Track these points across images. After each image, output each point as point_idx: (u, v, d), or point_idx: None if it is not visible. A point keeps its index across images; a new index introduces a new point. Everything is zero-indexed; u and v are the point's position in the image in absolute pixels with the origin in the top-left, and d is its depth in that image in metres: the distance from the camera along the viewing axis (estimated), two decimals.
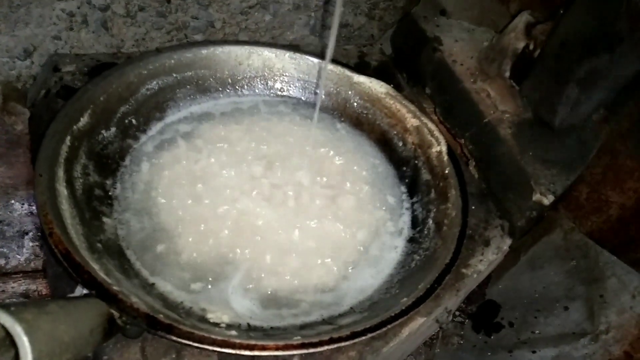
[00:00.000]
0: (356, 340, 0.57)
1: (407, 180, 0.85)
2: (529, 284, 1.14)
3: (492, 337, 1.08)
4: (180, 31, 1.32)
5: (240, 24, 1.35)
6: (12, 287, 0.91)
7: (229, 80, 0.91)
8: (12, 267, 1.03)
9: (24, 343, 0.35)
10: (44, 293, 0.94)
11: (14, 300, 0.97)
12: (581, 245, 1.14)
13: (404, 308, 0.61)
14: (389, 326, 0.59)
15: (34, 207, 1.09)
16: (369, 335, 0.57)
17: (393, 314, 0.60)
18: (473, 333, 1.11)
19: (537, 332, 1.05)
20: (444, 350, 1.10)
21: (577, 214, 1.16)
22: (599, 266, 1.06)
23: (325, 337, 0.56)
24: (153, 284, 0.67)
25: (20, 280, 0.92)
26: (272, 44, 0.98)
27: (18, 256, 1.04)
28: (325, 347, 0.55)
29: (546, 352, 1.00)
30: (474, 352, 1.07)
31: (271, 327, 0.65)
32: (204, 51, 0.88)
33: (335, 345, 0.56)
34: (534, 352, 1.02)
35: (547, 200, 0.78)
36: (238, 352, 0.54)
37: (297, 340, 0.56)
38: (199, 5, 1.30)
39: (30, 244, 1.06)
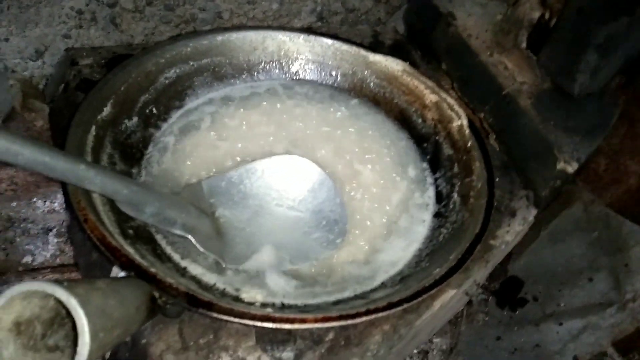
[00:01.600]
0: (392, 310, 0.57)
1: (428, 157, 0.85)
2: (551, 258, 1.14)
3: (517, 312, 1.08)
4: (189, 24, 1.32)
5: (248, 14, 1.36)
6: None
7: (245, 65, 0.92)
8: (38, 264, 1.04)
9: (81, 315, 0.36)
10: None
11: None
12: (602, 216, 1.14)
13: (437, 278, 0.61)
14: (424, 296, 0.59)
15: (55, 204, 1.11)
16: (404, 305, 0.58)
17: (427, 284, 0.60)
18: (498, 309, 1.11)
19: (562, 304, 1.05)
20: (469, 328, 1.10)
21: (596, 186, 1.16)
22: (621, 236, 1.06)
23: (362, 309, 0.56)
24: (185, 267, 0.67)
25: (48, 274, 0.93)
26: (286, 27, 0.98)
27: (44, 252, 1.06)
28: (363, 319, 0.56)
29: (573, 324, 1.01)
30: (499, 327, 1.08)
31: (305, 305, 0.66)
32: (219, 38, 0.89)
33: (373, 317, 0.56)
34: (560, 324, 1.02)
35: (572, 167, 0.78)
36: (278, 325, 0.54)
37: (334, 312, 0.56)
38: None
39: (55, 240, 1.07)
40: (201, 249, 0.67)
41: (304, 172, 0.77)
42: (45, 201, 1.09)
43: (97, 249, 0.58)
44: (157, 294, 0.54)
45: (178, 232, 0.65)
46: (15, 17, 1.14)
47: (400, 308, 0.58)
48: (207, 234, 0.69)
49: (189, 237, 0.66)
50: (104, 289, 0.42)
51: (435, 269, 0.64)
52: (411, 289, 0.60)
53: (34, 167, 0.47)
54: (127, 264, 0.56)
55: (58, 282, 0.38)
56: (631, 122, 1.01)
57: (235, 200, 0.74)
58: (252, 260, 0.70)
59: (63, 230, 1.08)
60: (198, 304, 0.54)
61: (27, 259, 1.05)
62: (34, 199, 1.09)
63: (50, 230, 1.08)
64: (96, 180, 0.54)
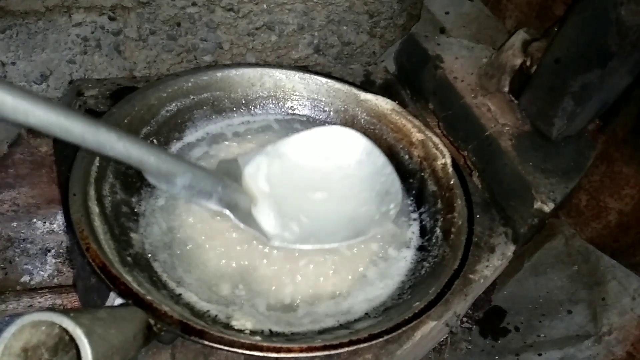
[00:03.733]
0: (373, 342, 0.61)
1: (414, 192, 0.89)
2: (534, 289, 1.18)
3: (499, 342, 1.12)
4: (190, 53, 1.38)
5: (247, 45, 1.41)
6: (39, 302, 0.95)
7: (243, 100, 0.97)
8: (36, 283, 1.07)
9: (85, 345, 0.40)
10: (69, 307, 0.98)
11: None
12: (582, 250, 1.18)
13: (416, 311, 0.65)
14: (404, 328, 0.63)
15: (55, 225, 1.14)
16: (385, 337, 0.62)
17: (407, 317, 0.64)
18: (480, 338, 1.15)
19: (542, 335, 1.08)
20: (453, 356, 1.14)
21: (577, 220, 1.21)
22: (599, 270, 1.11)
23: (345, 340, 0.60)
24: (180, 294, 0.71)
25: (46, 295, 0.97)
26: (283, 66, 1.04)
27: (42, 272, 1.09)
28: (346, 349, 0.60)
29: (552, 355, 1.04)
30: (482, 356, 1.11)
31: (292, 333, 0.69)
32: (219, 74, 0.93)
33: (355, 347, 0.60)
34: (539, 354, 1.05)
35: (548, 207, 0.82)
36: (265, 354, 0.58)
37: (319, 342, 0.60)
38: (208, 28, 1.35)
39: (53, 260, 1.11)
40: (241, 225, 0.65)
41: (349, 143, 0.73)
42: (45, 222, 1.13)
43: (98, 276, 0.61)
44: (153, 321, 0.58)
45: (214, 206, 0.62)
46: (23, 43, 1.18)
47: (382, 339, 0.62)
48: (246, 210, 0.67)
49: (227, 212, 0.64)
50: (106, 318, 0.45)
51: (416, 302, 0.68)
52: (392, 320, 0.64)
53: (48, 128, 0.43)
54: (125, 292, 0.59)
55: (65, 312, 0.41)
56: (610, 161, 1.06)
57: (274, 173, 0.71)
58: (296, 238, 0.68)
59: (61, 251, 1.12)
60: (191, 332, 0.58)
61: (26, 278, 1.08)
62: (34, 220, 1.12)
63: (49, 250, 1.11)
64: (118, 146, 0.51)
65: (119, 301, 0.62)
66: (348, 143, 0.73)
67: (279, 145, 0.73)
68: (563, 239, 1.22)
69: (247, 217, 0.66)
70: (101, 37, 1.24)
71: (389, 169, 0.73)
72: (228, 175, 0.67)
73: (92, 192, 0.71)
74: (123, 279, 0.61)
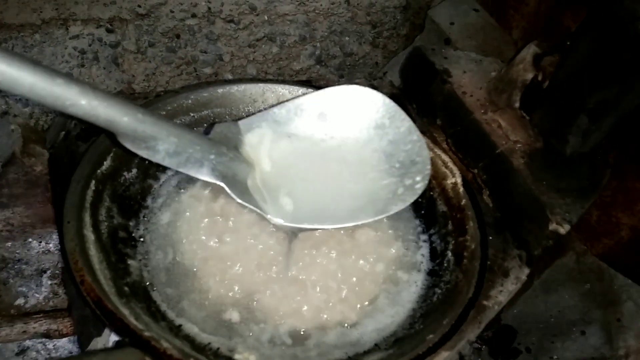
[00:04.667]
0: None
1: (423, 212, 0.86)
2: (544, 308, 1.14)
3: None
4: (190, 65, 1.35)
5: (248, 57, 1.38)
6: (34, 328, 0.92)
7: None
8: (31, 306, 1.04)
9: None
10: (64, 332, 0.94)
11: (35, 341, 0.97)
12: (594, 268, 1.15)
13: (430, 346, 0.61)
14: None
15: (50, 245, 1.11)
16: None
17: (420, 352, 0.60)
18: (491, 359, 1.11)
19: (555, 357, 1.05)
20: None
21: (588, 236, 1.17)
22: (613, 289, 1.07)
23: None
24: (180, 325, 0.68)
25: (41, 320, 0.93)
26: (285, 80, 1.00)
27: (37, 295, 1.05)
28: None
29: None
30: None
31: None
32: (220, 90, 0.90)
33: None
34: None
35: (564, 229, 0.79)
36: None
37: None
38: (208, 39, 1.33)
39: (49, 282, 1.07)
40: (237, 200, 0.57)
41: (367, 104, 0.63)
42: (40, 242, 1.09)
43: (93, 311, 0.58)
44: None
45: (206, 178, 0.55)
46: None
47: None
48: (244, 183, 0.59)
49: (222, 184, 0.56)
50: None
51: (429, 333, 0.65)
52: (406, 356, 0.60)
53: None
54: (122, 328, 0.56)
55: None
56: (622, 176, 1.03)
57: (281, 142, 0.63)
58: (301, 216, 0.60)
59: (57, 272, 1.08)
60: None
61: (20, 301, 1.04)
62: (29, 240, 1.09)
63: (45, 271, 1.07)
64: (81, 103, 0.42)
65: (114, 337, 0.58)
66: (366, 105, 0.63)
67: (286, 110, 0.64)
68: (574, 256, 1.18)
69: (245, 191, 0.58)
70: (99, 49, 1.22)
71: (416, 135, 0.64)
72: (226, 141, 0.59)
73: (87, 219, 0.68)
74: (119, 314, 0.58)
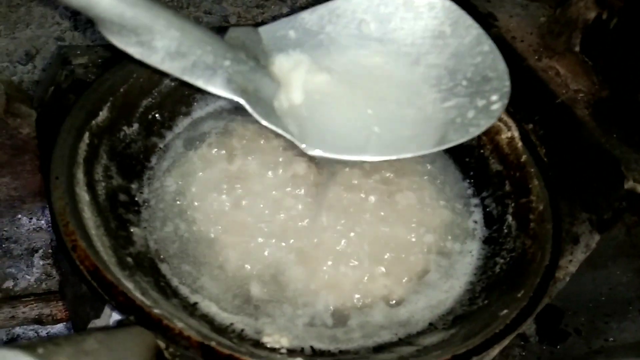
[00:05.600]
0: None
1: (472, 173, 0.74)
2: (592, 285, 1.04)
3: (558, 347, 0.97)
4: None
5: (256, 18, 1.28)
6: (23, 312, 0.81)
7: None
8: (21, 289, 0.93)
9: None
10: (58, 317, 0.83)
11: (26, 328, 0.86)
12: None
13: (508, 322, 0.50)
14: (495, 346, 0.48)
15: (42, 222, 1.00)
16: (474, 358, 0.46)
17: (498, 330, 0.49)
18: (536, 343, 1.00)
19: (610, 339, 0.94)
20: None
21: (636, 206, 1.06)
22: None
23: None
24: (195, 303, 0.56)
25: (32, 303, 0.82)
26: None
27: (28, 277, 0.94)
28: None
29: None
30: None
31: (340, 351, 0.54)
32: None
33: None
34: None
35: None
36: None
37: None
38: None
39: (41, 262, 0.96)
40: (263, 122, 0.46)
41: (422, 9, 0.52)
42: (31, 218, 0.99)
43: (88, 283, 0.46)
44: (162, 345, 0.42)
45: (220, 91, 0.43)
46: (4, 17, 1.06)
47: None
48: (269, 102, 0.48)
49: (240, 100, 0.45)
50: (97, 350, 0.30)
51: (500, 309, 0.53)
52: (477, 336, 0.49)
53: None
54: (126, 305, 0.44)
55: (31, 345, 0.26)
56: None
57: (314, 55, 0.52)
58: (342, 146, 0.49)
59: (50, 251, 0.97)
60: (216, 358, 0.43)
61: (9, 284, 0.94)
62: (19, 216, 0.99)
63: (36, 251, 0.98)
64: None
65: (116, 317, 0.46)
66: (419, 9, 0.52)
67: (318, 15, 0.52)
68: (623, 228, 1.08)
69: (269, 110, 0.47)
70: None
71: (487, 45, 0.52)
72: (244, 50, 0.47)
73: (80, 175, 0.56)
74: (122, 287, 0.46)
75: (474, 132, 0.51)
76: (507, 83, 0.50)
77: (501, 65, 0.51)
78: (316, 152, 0.48)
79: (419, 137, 0.50)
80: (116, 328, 0.42)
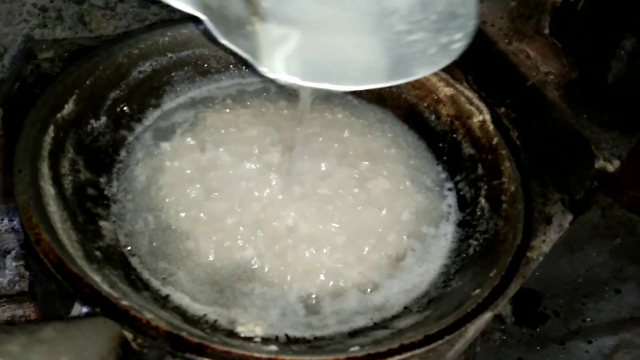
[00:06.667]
0: (431, 345, 0.46)
1: (445, 158, 0.75)
2: (569, 268, 1.05)
3: (537, 330, 0.98)
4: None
5: None
6: None
7: (232, 59, 0.80)
8: None
9: None
10: (32, 318, 0.81)
11: None
12: (624, 221, 1.05)
13: (480, 302, 0.50)
14: (469, 325, 0.48)
15: (15, 222, 0.98)
16: (446, 338, 0.46)
17: (470, 310, 0.49)
18: (515, 326, 1.01)
19: (588, 319, 0.95)
20: (486, 349, 0.99)
21: (611, 189, 1.08)
22: None
23: (394, 345, 0.45)
24: (167, 295, 0.55)
25: (4, 305, 0.80)
26: None
27: (0, 278, 0.92)
28: (397, 358, 0.44)
29: (604, 341, 0.91)
30: (520, 347, 0.97)
31: (315, 337, 0.54)
32: (202, 27, 0.77)
33: (409, 354, 0.44)
34: (589, 342, 0.92)
35: (612, 166, 0.68)
36: None
37: (359, 352, 0.44)
38: None
39: (14, 263, 0.94)
40: (222, 40, 0.44)
41: None
42: (2, 219, 0.98)
43: (53, 277, 0.45)
44: (130, 336, 0.41)
45: (179, 4, 0.42)
46: None
47: (441, 342, 0.46)
48: (234, 17, 0.46)
49: (202, 16, 0.43)
50: (53, 339, 0.29)
51: (472, 288, 0.53)
52: (449, 316, 0.49)
53: None
54: (90, 296, 0.43)
55: None
56: None
57: None
58: (300, 68, 0.47)
59: (24, 252, 0.95)
60: (185, 347, 0.42)
61: None
62: None
63: (8, 252, 0.96)
64: None
65: (85, 311, 0.45)
66: None
67: None
68: (599, 210, 1.09)
69: (232, 29, 0.44)
70: (62, 6, 1.08)
71: None
72: None
73: (44, 169, 0.55)
74: (88, 279, 0.45)
75: (430, 69, 0.50)
76: (473, 22, 0.50)
77: (472, 3, 0.51)
78: (277, 76, 0.47)
79: (383, 68, 0.49)
80: (78, 318, 0.41)
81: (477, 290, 0.52)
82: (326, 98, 0.82)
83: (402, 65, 0.49)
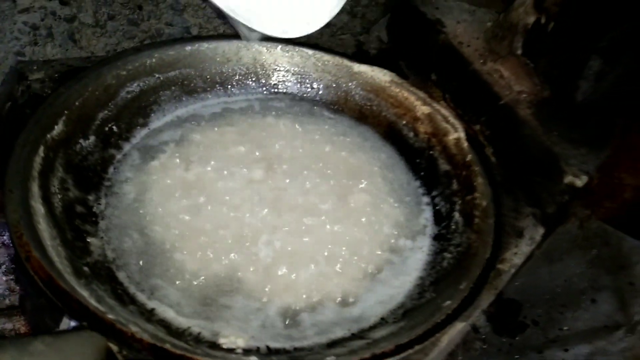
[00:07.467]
0: (403, 354, 0.49)
1: (422, 173, 0.78)
2: (548, 278, 1.07)
3: (517, 339, 1.01)
4: (154, 40, 1.24)
5: (218, 29, 1.28)
6: None
7: (217, 78, 0.83)
8: None
9: None
10: (22, 332, 0.83)
11: None
12: (600, 232, 1.08)
13: (449, 312, 0.52)
14: (437, 335, 0.50)
15: (5, 237, 0.99)
16: (416, 347, 0.49)
17: (439, 320, 0.51)
18: (495, 335, 1.03)
19: (565, 328, 0.97)
20: (467, 357, 1.02)
21: (588, 201, 1.11)
22: (622, 253, 1.00)
23: (366, 354, 0.47)
24: (152, 309, 0.57)
25: None
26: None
27: None
28: None
29: (580, 349, 0.93)
30: (500, 356, 0.99)
31: (295, 348, 0.56)
32: (188, 48, 0.80)
33: None
34: (566, 350, 0.94)
35: (581, 181, 0.71)
36: None
37: None
38: (173, 10, 1.22)
39: (4, 278, 0.95)
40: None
41: None
42: None
43: (42, 293, 0.47)
44: (116, 348, 0.44)
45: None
46: None
47: (411, 351, 0.49)
48: None
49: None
50: (42, 351, 0.32)
51: (444, 300, 0.56)
52: (420, 326, 0.51)
53: None
54: (78, 311, 0.45)
55: None
56: (624, 133, 0.96)
57: None
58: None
59: (14, 266, 0.96)
60: (168, 359, 0.44)
61: None
62: None
63: None
64: None
65: (73, 325, 0.48)
66: None
67: None
68: (577, 222, 1.12)
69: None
70: (53, 24, 1.10)
71: None
72: None
73: (35, 189, 0.57)
74: (76, 295, 0.47)
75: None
76: None
77: None
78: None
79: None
80: (66, 332, 0.43)
81: (448, 302, 0.54)
82: (310, 114, 0.85)
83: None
